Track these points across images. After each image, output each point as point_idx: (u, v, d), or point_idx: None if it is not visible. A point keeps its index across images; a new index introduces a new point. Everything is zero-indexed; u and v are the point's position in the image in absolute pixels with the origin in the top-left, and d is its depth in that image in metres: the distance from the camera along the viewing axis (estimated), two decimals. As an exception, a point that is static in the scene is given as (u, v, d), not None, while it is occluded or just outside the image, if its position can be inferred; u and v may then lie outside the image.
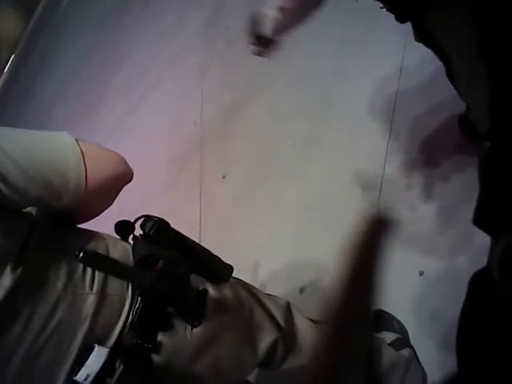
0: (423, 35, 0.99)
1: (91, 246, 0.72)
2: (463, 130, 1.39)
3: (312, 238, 1.69)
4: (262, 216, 1.97)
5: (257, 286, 1.03)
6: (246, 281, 1.00)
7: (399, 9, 0.93)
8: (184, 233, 0.84)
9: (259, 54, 1.13)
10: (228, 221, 2.13)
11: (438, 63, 1.10)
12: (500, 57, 0.77)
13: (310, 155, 1.91)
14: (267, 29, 1.03)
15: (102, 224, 0.87)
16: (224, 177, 2.28)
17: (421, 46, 1.08)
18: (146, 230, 0.78)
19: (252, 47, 1.10)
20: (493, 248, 0.72)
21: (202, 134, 2.61)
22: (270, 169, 2.07)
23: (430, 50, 1.07)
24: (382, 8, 0.96)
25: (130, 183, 0.79)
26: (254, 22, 1.04)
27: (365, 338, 0.30)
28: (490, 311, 0.68)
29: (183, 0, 3.61)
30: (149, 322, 0.72)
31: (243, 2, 2.77)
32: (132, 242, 0.82)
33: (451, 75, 1.03)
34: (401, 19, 0.96)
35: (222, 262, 0.86)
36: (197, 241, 0.86)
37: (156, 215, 0.82)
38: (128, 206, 1.39)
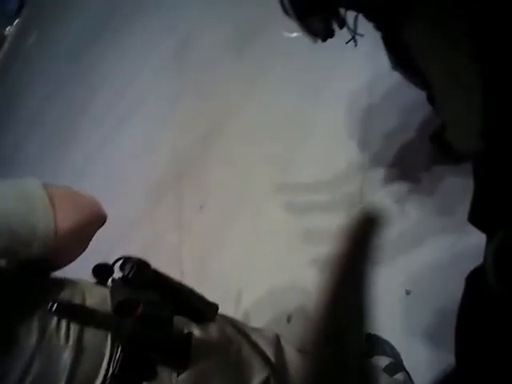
0: (398, 49, 0.99)
1: (65, 295, 0.68)
2: (437, 148, 1.41)
3: (294, 263, 1.66)
4: (242, 244, 1.94)
5: (241, 314, 0.99)
6: (230, 310, 0.96)
7: (374, 19, 0.94)
8: (165, 265, 0.81)
9: None
10: (208, 250, 2.09)
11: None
12: (496, 55, 0.77)
13: (287, 177, 1.90)
14: None
15: (80, 263, 0.82)
16: (201, 207, 2.25)
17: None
18: (125, 273, 0.75)
19: None
20: (487, 246, 0.71)
21: (177, 165, 2.58)
22: (247, 196, 2.06)
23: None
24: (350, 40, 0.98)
25: (109, 215, 0.76)
26: None
27: (357, 362, 0.28)
28: (486, 308, 0.68)
29: (156, 26, 3.65)
30: (131, 373, 0.67)
31: (217, 26, 2.81)
32: (111, 285, 0.78)
33: (432, 98, 1.03)
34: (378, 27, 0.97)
35: (206, 300, 0.83)
36: (178, 272, 0.82)
37: (135, 255, 0.78)
38: (105, 239, 1.34)
